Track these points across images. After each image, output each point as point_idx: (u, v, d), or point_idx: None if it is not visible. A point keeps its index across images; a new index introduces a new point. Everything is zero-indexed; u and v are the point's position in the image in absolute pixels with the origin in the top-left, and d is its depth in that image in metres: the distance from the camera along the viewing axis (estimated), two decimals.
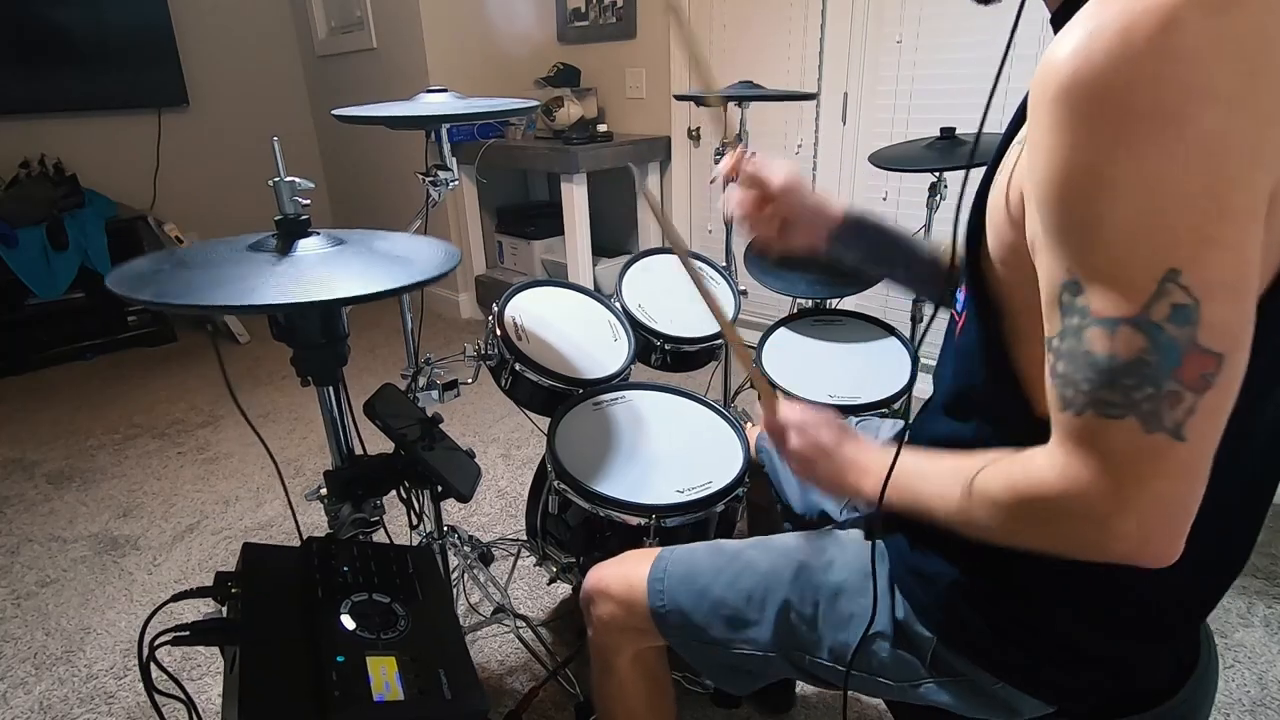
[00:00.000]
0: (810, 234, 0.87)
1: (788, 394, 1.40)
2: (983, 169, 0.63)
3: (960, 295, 0.69)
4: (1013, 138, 0.60)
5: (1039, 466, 0.54)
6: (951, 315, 0.70)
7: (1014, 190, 0.57)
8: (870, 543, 0.79)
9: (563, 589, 1.62)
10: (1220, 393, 0.46)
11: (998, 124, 0.63)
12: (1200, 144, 0.43)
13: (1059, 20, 0.55)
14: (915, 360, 1.47)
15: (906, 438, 0.81)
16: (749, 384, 2.06)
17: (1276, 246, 0.48)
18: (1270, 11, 0.42)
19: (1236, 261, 0.45)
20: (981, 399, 0.64)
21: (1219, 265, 0.44)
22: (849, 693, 0.77)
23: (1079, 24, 0.45)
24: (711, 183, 0.88)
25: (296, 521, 1.05)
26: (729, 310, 1.01)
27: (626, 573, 0.89)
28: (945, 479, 0.62)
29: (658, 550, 0.89)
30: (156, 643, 0.69)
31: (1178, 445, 0.46)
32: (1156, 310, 0.45)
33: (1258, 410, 0.55)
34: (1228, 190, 0.43)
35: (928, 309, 1.89)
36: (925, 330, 0.78)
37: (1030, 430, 0.57)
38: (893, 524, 0.76)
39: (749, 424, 1.27)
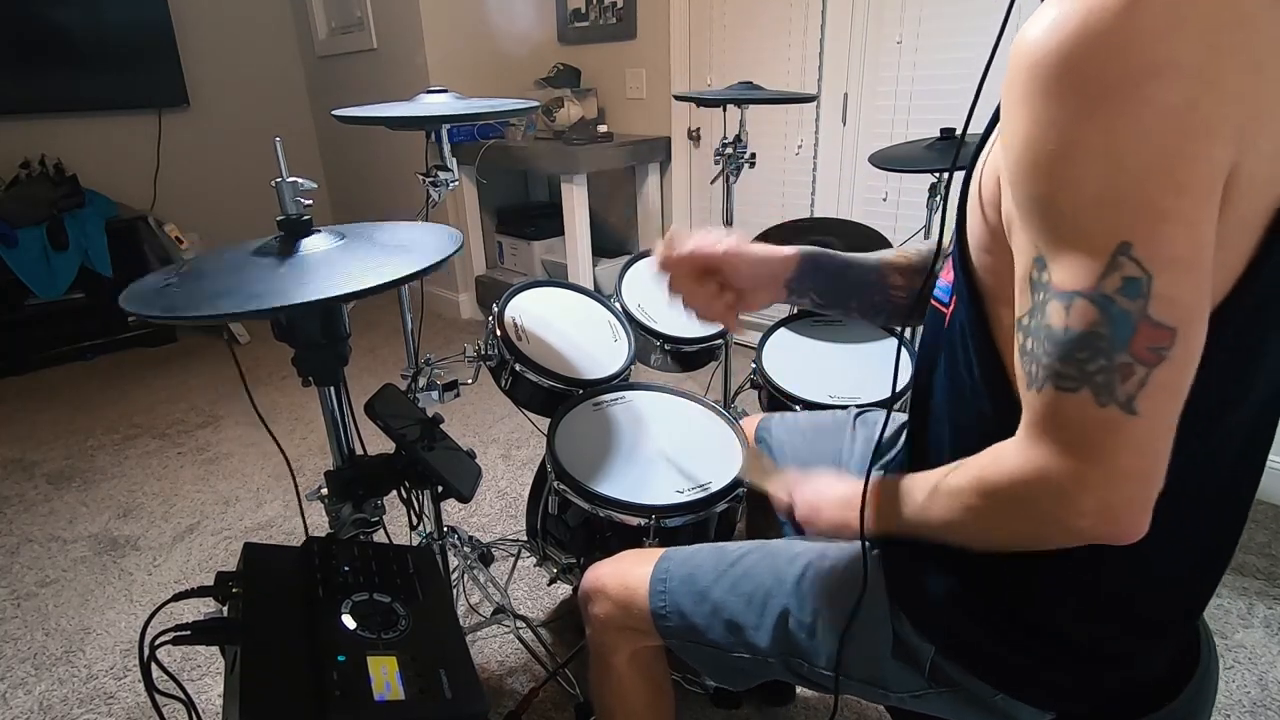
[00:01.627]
0: (767, 291, 0.84)
1: (788, 397, 1.40)
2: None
3: (942, 285, 0.69)
4: (994, 126, 0.61)
5: (1004, 455, 0.55)
6: (934, 307, 0.71)
7: (991, 174, 0.58)
8: (864, 547, 0.79)
9: (563, 589, 1.62)
10: (1174, 367, 0.46)
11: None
12: (1160, 117, 0.43)
13: None
14: (916, 360, 1.47)
15: (899, 445, 0.82)
16: (748, 384, 2.06)
17: (1239, 228, 0.48)
18: None
19: (1191, 236, 0.45)
20: (974, 384, 0.65)
21: (1172, 240, 0.45)
22: (849, 695, 0.77)
23: (1049, 4, 0.46)
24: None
25: (304, 518, 1.05)
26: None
27: (624, 573, 0.89)
28: (921, 492, 0.64)
29: (657, 551, 0.89)
30: (157, 642, 0.69)
31: (1130, 419, 0.47)
32: (1109, 283, 0.46)
33: (1241, 395, 0.55)
34: (1185, 165, 0.44)
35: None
36: (899, 343, 0.78)
37: (1017, 414, 0.57)
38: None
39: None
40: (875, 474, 0.71)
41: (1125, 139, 0.44)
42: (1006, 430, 0.56)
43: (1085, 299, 0.47)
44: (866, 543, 0.74)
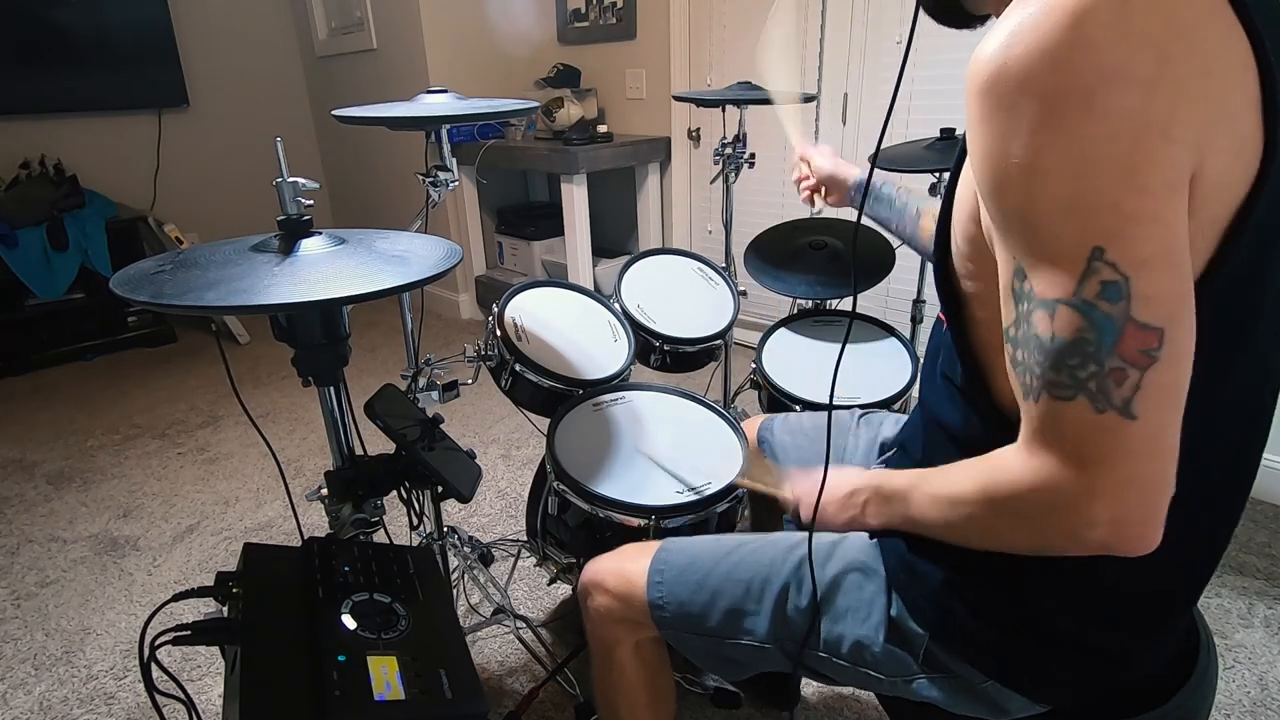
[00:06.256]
0: (837, 198, 1.25)
1: (788, 397, 1.40)
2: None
3: None
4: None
5: (1007, 464, 0.54)
6: (939, 315, 0.71)
7: (967, 187, 0.59)
8: (870, 539, 0.79)
9: (563, 589, 1.62)
10: (1167, 367, 0.46)
11: None
12: (1115, 123, 0.44)
13: None
14: (915, 360, 1.47)
15: (904, 438, 0.82)
16: (748, 385, 2.07)
17: (1211, 226, 0.48)
18: (1181, 2, 0.44)
19: (1163, 235, 0.46)
20: (960, 391, 0.66)
21: (1143, 240, 0.45)
22: (848, 691, 0.77)
23: (1000, 25, 0.48)
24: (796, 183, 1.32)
25: (298, 520, 1.06)
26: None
27: (622, 567, 0.89)
28: (926, 494, 0.65)
29: (656, 544, 0.89)
30: (157, 643, 0.69)
31: (1130, 423, 0.47)
32: (1087, 288, 0.46)
33: (1221, 382, 0.55)
34: (1145, 167, 0.45)
35: (928, 311, 1.89)
36: (913, 328, 0.80)
37: (1000, 419, 0.58)
38: None
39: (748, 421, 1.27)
40: (877, 466, 0.71)
41: (1084, 147, 0.45)
42: (992, 436, 0.57)
43: (1067, 306, 0.47)
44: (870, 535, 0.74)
